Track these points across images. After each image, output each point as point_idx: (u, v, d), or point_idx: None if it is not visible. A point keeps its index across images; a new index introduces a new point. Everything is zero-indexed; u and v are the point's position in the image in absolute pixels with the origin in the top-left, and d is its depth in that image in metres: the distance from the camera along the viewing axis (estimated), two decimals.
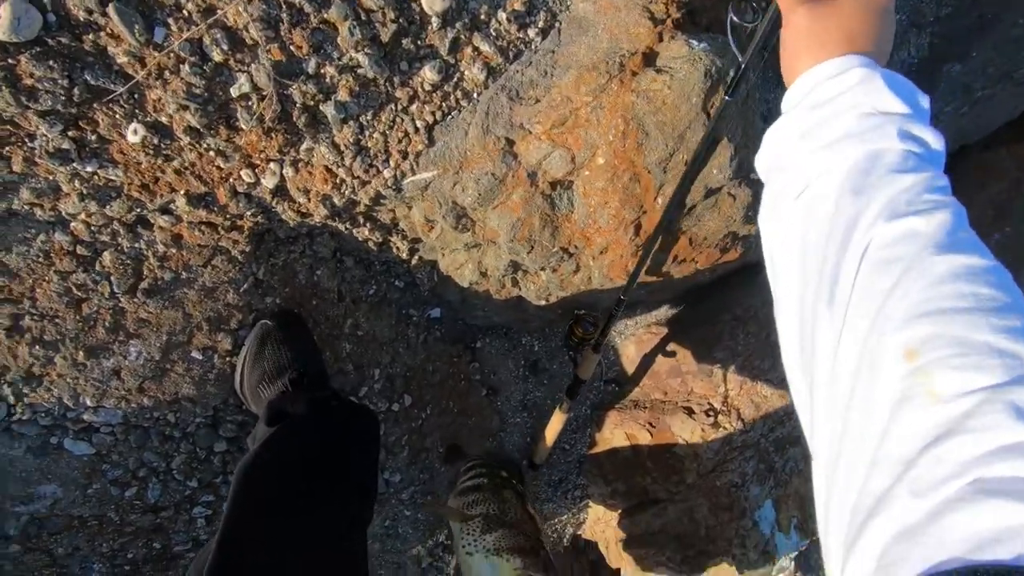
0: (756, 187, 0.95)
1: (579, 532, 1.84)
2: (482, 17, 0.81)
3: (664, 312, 1.56)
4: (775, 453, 1.36)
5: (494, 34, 0.82)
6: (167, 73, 0.71)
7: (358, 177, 0.84)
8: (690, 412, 1.41)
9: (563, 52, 0.82)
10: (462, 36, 0.80)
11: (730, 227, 0.98)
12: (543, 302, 1.23)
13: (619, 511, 1.60)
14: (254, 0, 0.69)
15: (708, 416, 1.39)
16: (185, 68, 0.71)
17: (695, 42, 0.77)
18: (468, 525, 1.21)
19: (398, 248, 1.09)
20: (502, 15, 0.81)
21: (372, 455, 0.94)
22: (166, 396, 0.95)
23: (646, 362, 1.51)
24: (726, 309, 1.40)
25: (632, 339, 1.55)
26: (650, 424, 1.47)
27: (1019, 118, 1.58)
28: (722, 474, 1.36)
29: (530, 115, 0.81)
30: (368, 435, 0.95)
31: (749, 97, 0.84)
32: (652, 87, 0.78)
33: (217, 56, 0.72)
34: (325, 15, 0.73)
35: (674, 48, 0.77)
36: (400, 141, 0.83)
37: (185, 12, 0.68)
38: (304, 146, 0.80)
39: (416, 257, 1.13)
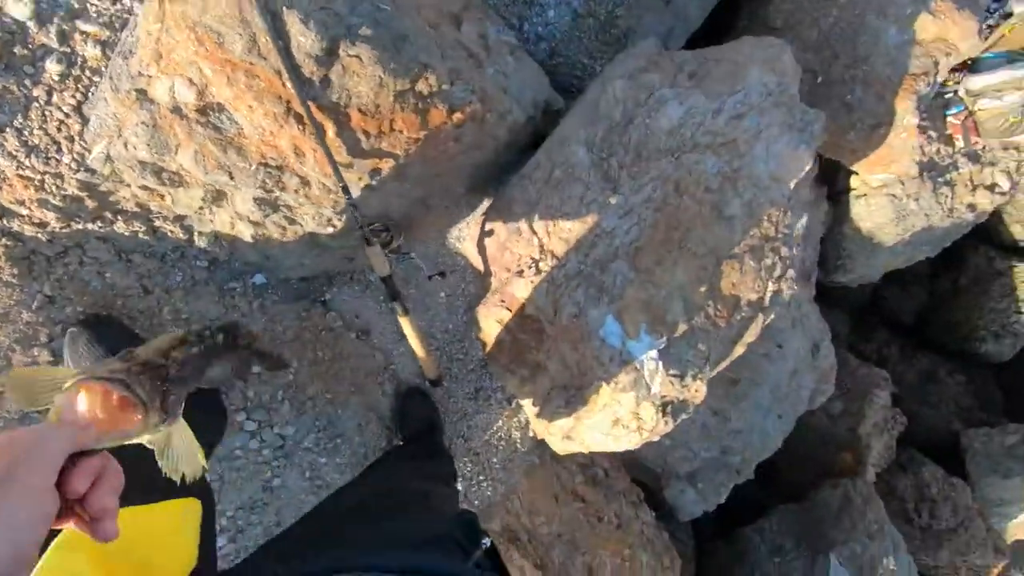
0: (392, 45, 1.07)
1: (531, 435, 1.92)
2: (76, 5, 0.97)
3: (483, 204, 1.65)
4: (600, 273, 1.42)
5: (95, 15, 0.99)
6: None
7: (47, 172, 1.02)
8: (521, 273, 1.49)
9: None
10: (66, 27, 0.97)
11: (386, 87, 1.09)
12: (331, 229, 1.36)
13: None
14: None
15: (533, 269, 1.47)
16: None
17: None
18: None
19: (172, 231, 1.26)
20: None
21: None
22: None
23: (481, 250, 1.61)
24: (512, 171, 1.49)
25: (468, 239, 1.66)
26: (502, 301, 1.56)
27: None
28: (563, 311, 1.43)
29: (138, 62, 0.96)
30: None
31: None
32: None
33: None
34: None
35: None
36: (59, 129, 1.00)
37: None
38: None
39: (196, 234, 1.30)
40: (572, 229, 1.42)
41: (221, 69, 0.96)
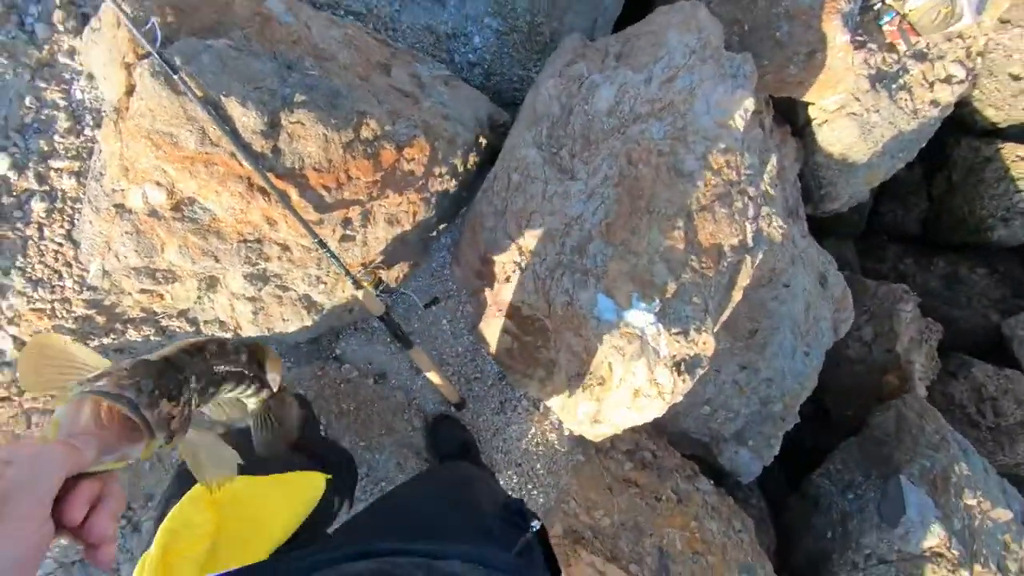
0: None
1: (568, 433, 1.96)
2: (46, 148, 1.09)
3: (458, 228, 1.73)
4: (579, 258, 1.48)
5: (64, 151, 1.10)
6: None
7: (55, 299, 1.12)
8: (508, 279, 1.56)
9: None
10: (41, 169, 1.08)
11: (332, 142, 1.18)
12: (321, 286, 1.45)
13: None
14: None
15: (518, 272, 1.53)
16: None
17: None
18: None
19: (179, 327, 1.36)
20: (58, 138, 1.09)
21: None
22: None
23: (466, 269, 1.68)
24: (476, 190, 1.58)
25: (452, 263, 1.73)
26: (499, 311, 1.63)
27: None
28: (555, 302, 1.49)
29: (110, 180, 1.07)
30: None
31: None
32: (140, 109, 1.02)
33: None
34: None
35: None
36: (56, 259, 1.10)
37: None
38: (4, 305, 1.09)
39: (202, 324, 1.39)
40: (543, 224, 1.49)
41: (182, 166, 1.06)
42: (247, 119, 1.07)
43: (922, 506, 2.42)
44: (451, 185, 1.59)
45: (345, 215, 1.30)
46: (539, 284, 1.51)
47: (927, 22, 2.56)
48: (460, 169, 1.59)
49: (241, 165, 1.10)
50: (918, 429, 2.60)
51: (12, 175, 1.05)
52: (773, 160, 2.48)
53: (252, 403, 0.74)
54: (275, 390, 0.75)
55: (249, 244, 1.22)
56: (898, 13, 2.59)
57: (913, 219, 3.82)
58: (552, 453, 1.92)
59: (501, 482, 1.77)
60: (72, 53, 1.12)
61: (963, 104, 3.52)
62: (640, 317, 1.45)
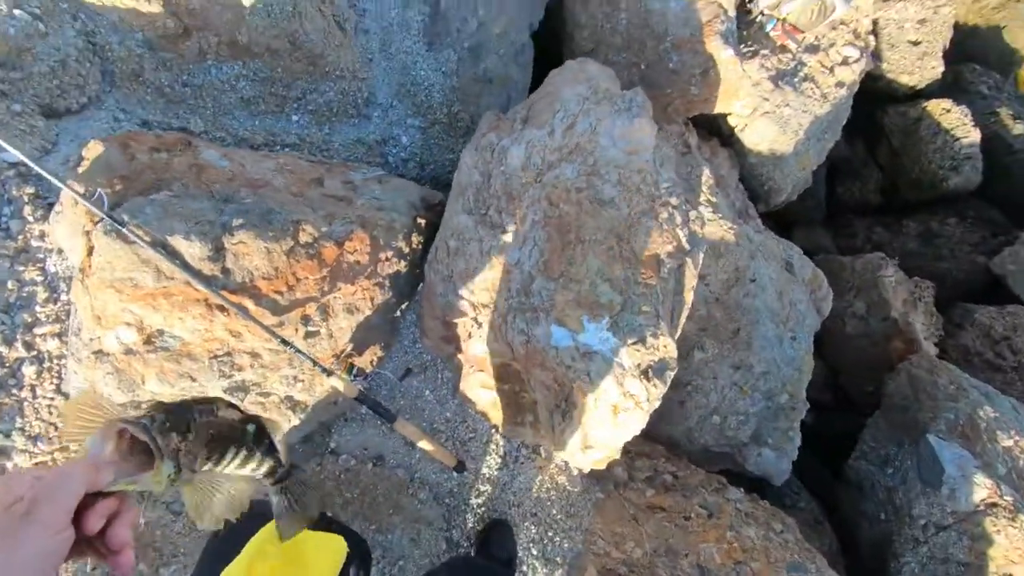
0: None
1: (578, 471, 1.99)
2: (29, 319, 1.25)
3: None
4: (526, 298, 1.59)
5: (45, 318, 1.26)
6: None
7: (53, 450, 1.24)
8: (471, 335, 1.67)
9: None
10: (27, 338, 1.24)
11: (274, 252, 1.34)
12: (299, 384, 1.56)
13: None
14: None
15: (477, 326, 1.65)
16: None
17: None
18: None
19: None
20: (38, 308, 1.25)
21: None
22: None
23: (433, 337, 1.79)
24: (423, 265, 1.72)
25: (420, 335, 1.85)
26: (472, 367, 1.72)
27: None
28: (515, 343, 1.59)
29: (87, 331, 1.22)
30: None
31: None
32: (100, 264, 1.19)
33: None
34: None
35: None
36: (51, 412, 1.23)
37: None
38: (9, 465, 1.21)
39: None
40: (487, 278, 1.62)
41: (145, 303, 1.21)
42: (193, 250, 1.23)
43: (959, 460, 2.36)
44: (401, 266, 1.74)
45: (303, 313, 1.44)
46: (497, 332, 1.62)
47: (806, 20, 2.81)
48: (406, 250, 1.75)
49: (197, 290, 1.25)
50: (932, 385, 2.58)
51: (3, 349, 1.21)
52: (706, 172, 2.65)
53: (262, 476, 0.79)
54: (283, 462, 0.82)
55: (220, 359, 1.35)
56: (778, 19, 2.84)
57: (871, 191, 3.93)
58: (566, 496, 1.93)
59: (520, 536, 1.78)
60: (43, 235, 1.31)
61: (878, 78, 3.74)
62: (594, 336, 1.54)
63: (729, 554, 1.98)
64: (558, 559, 1.82)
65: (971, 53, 4.22)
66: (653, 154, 1.90)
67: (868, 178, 3.96)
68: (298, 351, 1.38)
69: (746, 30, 2.94)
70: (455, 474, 1.77)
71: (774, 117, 2.77)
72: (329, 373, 1.45)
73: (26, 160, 1.06)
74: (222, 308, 1.29)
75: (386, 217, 1.68)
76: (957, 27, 3.77)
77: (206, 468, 0.66)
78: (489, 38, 2.42)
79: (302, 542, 0.92)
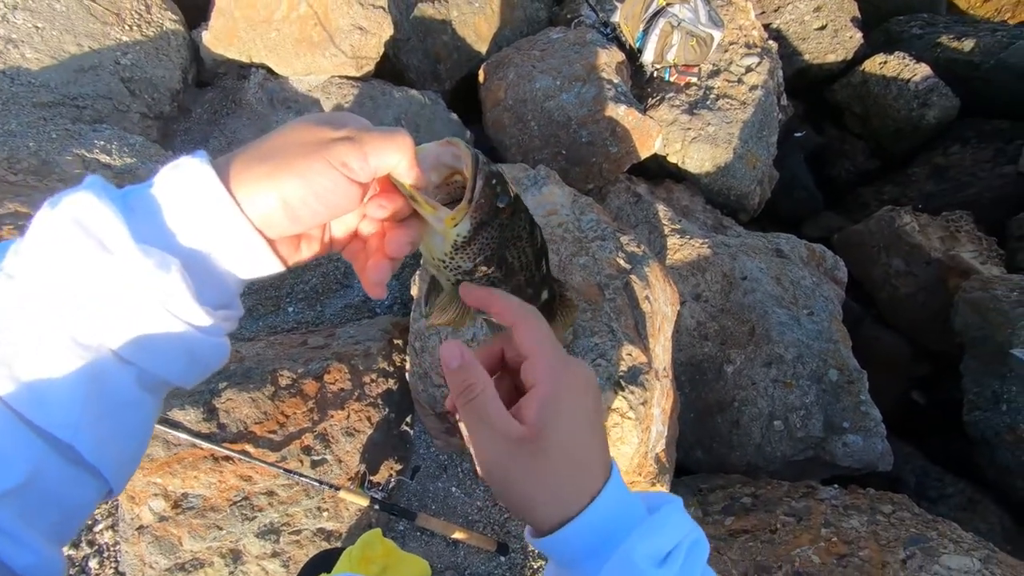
0: None
1: None
2: (89, 522, 1.52)
3: None
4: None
5: (100, 517, 1.53)
6: None
7: None
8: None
9: None
10: (88, 537, 1.50)
11: (258, 400, 1.61)
12: (325, 513, 1.71)
13: None
14: None
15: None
16: None
17: None
18: None
19: None
20: (95, 511, 1.54)
21: None
22: None
23: (434, 433, 1.92)
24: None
25: (426, 434, 1.99)
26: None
27: None
28: None
29: (128, 511, 1.48)
30: None
31: None
32: None
33: None
34: None
35: None
36: None
37: None
38: None
39: None
40: None
41: (163, 471, 1.47)
42: (189, 416, 1.52)
43: None
44: (390, 384, 1.95)
45: (302, 444, 1.65)
46: None
47: (693, 55, 3.14)
48: (390, 369, 1.97)
49: (201, 448, 1.51)
50: (993, 301, 2.36)
51: (73, 552, 1.47)
52: (661, 208, 2.81)
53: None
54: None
55: (239, 504, 1.55)
56: (671, 67, 3.19)
57: (863, 159, 3.90)
58: None
59: None
60: None
61: (807, 69, 3.93)
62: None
63: (829, 550, 1.75)
64: None
65: (894, 7, 4.36)
66: (571, 208, 2.12)
67: (854, 151, 3.95)
68: (300, 475, 1.57)
69: (648, 85, 3.29)
70: (501, 558, 1.77)
71: (702, 139, 2.97)
72: (337, 488, 1.61)
73: None
74: (227, 458, 1.53)
75: (361, 347, 1.94)
76: None
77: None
78: None
79: (396, 549, 1.06)
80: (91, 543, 1.51)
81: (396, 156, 0.43)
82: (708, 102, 3.09)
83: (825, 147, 4.09)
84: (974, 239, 2.98)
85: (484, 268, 0.53)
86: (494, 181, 0.49)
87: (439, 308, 0.56)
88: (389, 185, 0.47)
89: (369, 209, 0.48)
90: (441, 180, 0.50)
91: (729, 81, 3.19)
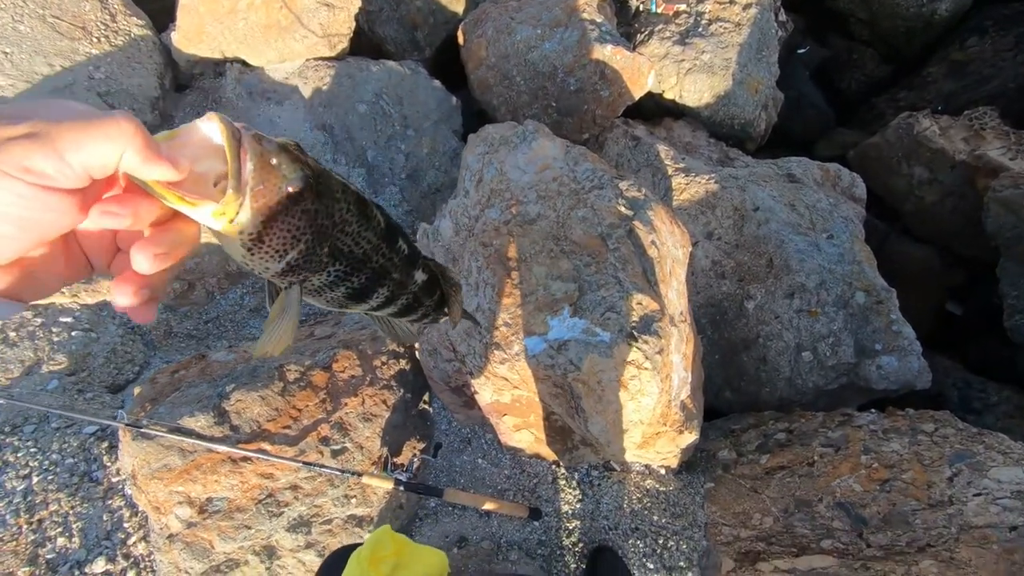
0: None
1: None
2: (122, 536, 1.54)
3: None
4: (496, 332, 1.68)
5: (132, 530, 1.55)
6: None
7: None
8: (472, 388, 1.76)
9: None
10: (123, 551, 1.52)
11: (268, 397, 1.59)
12: (354, 500, 1.71)
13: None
14: None
15: (472, 376, 1.74)
16: None
17: None
18: None
19: None
20: (126, 524, 1.55)
21: None
22: None
23: (453, 408, 1.89)
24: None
25: (441, 410, 1.96)
26: (495, 411, 1.78)
27: None
28: (503, 371, 1.65)
29: (156, 521, 1.49)
30: None
31: None
32: (138, 464, 1.49)
33: None
34: None
35: None
36: None
37: None
38: None
39: None
40: (458, 330, 1.75)
41: (183, 479, 1.47)
42: (201, 421, 1.51)
43: None
44: (402, 364, 1.92)
45: (319, 435, 1.63)
46: (487, 371, 1.70)
47: None
48: (400, 349, 1.94)
49: (217, 452, 1.50)
50: (1021, 195, 2.21)
51: (111, 567, 1.49)
52: (662, 149, 2.69)
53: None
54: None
55: (264, 502, 1.55)
56: None
57: (874, 67, 3.69)
58: (665, 497, 1.82)
59: (629, 556, 1.68)
60: (118, 471, 1.66)
61: None
62: (560, 328, 1.58)
63: (870, 477, 1.69)
64: (682, 563, 1.67)
65: None
66: (565, 160, 2.03)
67: (863, 59, 3.72)
68: (320, 466, 1.55)
69: (635, 20, 3.12)
70: (535, 523, 1.76)
71: (698, 69, 2.81)
72: (359, 475, 1.60)
73: (89, 419, 1.42)
74: (245, 459, 1.52)
75: (368, 331, 1.90)
76: None
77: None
78: (421, 160, 2.78)
79: (408, 543, 1.05)
80: (127, 556, 1.53)
81: (109, 146, 0.34)
82: (700, 29, 2.92)
83: (832, 60, 3.87)
84: (1001, 135, 2.80)
85: (308, 265, 0.47)
86: (274, 160, 0.41)
87: (268, 324, 0.49)
88: (133, 184, 0.39)
89: (93, 219, 0.38)
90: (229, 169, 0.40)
91: (720, 3, 3.00)
